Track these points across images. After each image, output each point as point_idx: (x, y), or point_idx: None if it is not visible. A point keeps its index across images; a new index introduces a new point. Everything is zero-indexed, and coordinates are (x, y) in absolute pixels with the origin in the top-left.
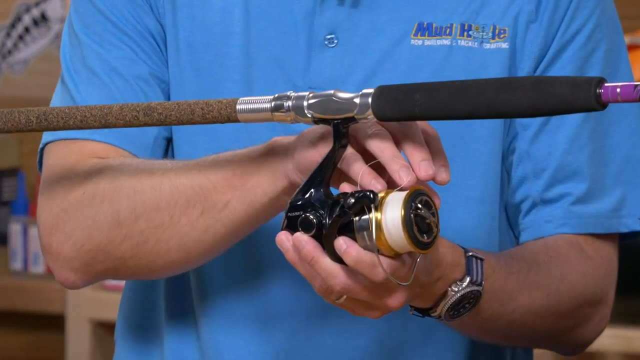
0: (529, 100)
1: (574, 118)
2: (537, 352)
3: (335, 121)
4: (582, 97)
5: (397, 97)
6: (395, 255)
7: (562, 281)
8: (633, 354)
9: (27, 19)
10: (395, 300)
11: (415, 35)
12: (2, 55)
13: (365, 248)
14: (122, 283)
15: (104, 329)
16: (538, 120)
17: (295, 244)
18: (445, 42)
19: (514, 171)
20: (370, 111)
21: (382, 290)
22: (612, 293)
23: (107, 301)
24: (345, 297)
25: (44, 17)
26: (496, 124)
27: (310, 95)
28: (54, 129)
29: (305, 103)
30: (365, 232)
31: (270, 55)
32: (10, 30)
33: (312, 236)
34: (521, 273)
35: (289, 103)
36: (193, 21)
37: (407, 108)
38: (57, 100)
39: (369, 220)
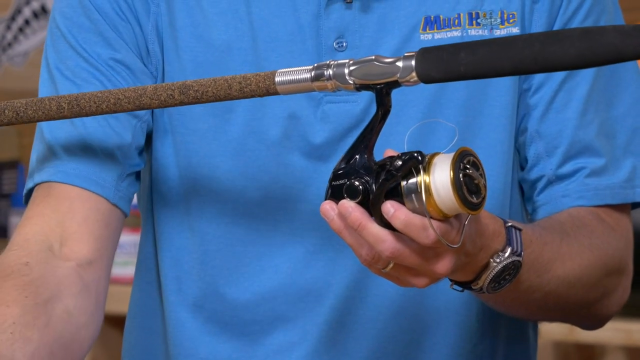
0: (577, 50)
1: (580, 93)
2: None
3: (379, 86)
4: (633, 44)
5: (442, 57)
6: (443, 218)
7: (591, 251)
8: (633, 347)
9: (27, 12)
10: (444, 265)
11: (424, 29)
12: (2, 47)
13: (413, 211)
14: (124, 275)
15: (105, 321)
16: (545, 98)
17: (342, 212)
18: (456, 33)
19: (527, 151)
20: (413, 73)
21: (430, 255)
22: (631, 263)
23: (109, 294)
24: (391, 265)
25: (44, 10)
26: (513, 109)
27: (351, 62)
28: (87, 114)
29: (346, 70)
30: (413, 195)
31: (280, 66)
32: (10, 23)
33: (358, 203)
34: (554, 243)
35: (330, 71)
36: (199, 40)
37: (453, 67)
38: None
39: (417, 183)
